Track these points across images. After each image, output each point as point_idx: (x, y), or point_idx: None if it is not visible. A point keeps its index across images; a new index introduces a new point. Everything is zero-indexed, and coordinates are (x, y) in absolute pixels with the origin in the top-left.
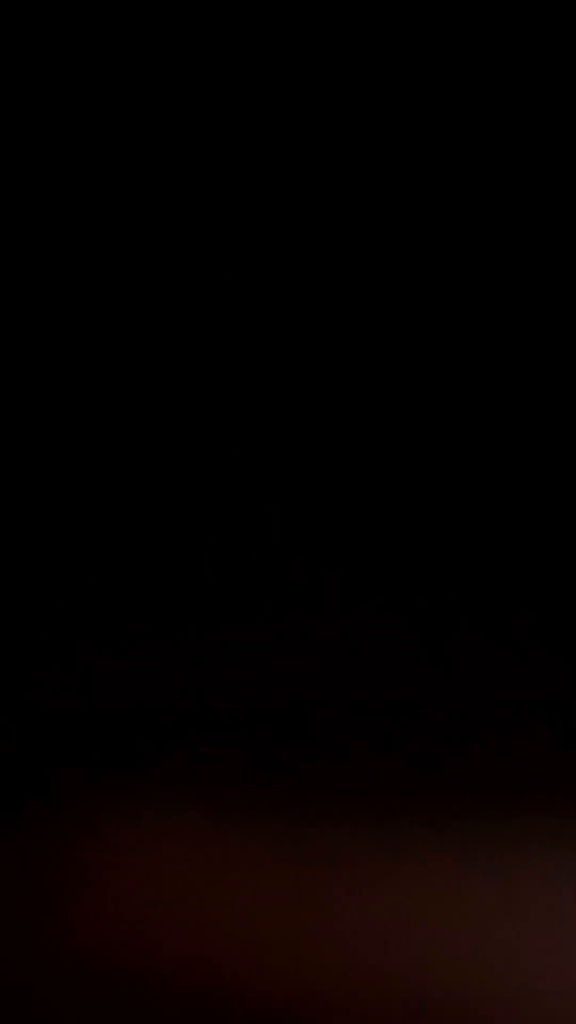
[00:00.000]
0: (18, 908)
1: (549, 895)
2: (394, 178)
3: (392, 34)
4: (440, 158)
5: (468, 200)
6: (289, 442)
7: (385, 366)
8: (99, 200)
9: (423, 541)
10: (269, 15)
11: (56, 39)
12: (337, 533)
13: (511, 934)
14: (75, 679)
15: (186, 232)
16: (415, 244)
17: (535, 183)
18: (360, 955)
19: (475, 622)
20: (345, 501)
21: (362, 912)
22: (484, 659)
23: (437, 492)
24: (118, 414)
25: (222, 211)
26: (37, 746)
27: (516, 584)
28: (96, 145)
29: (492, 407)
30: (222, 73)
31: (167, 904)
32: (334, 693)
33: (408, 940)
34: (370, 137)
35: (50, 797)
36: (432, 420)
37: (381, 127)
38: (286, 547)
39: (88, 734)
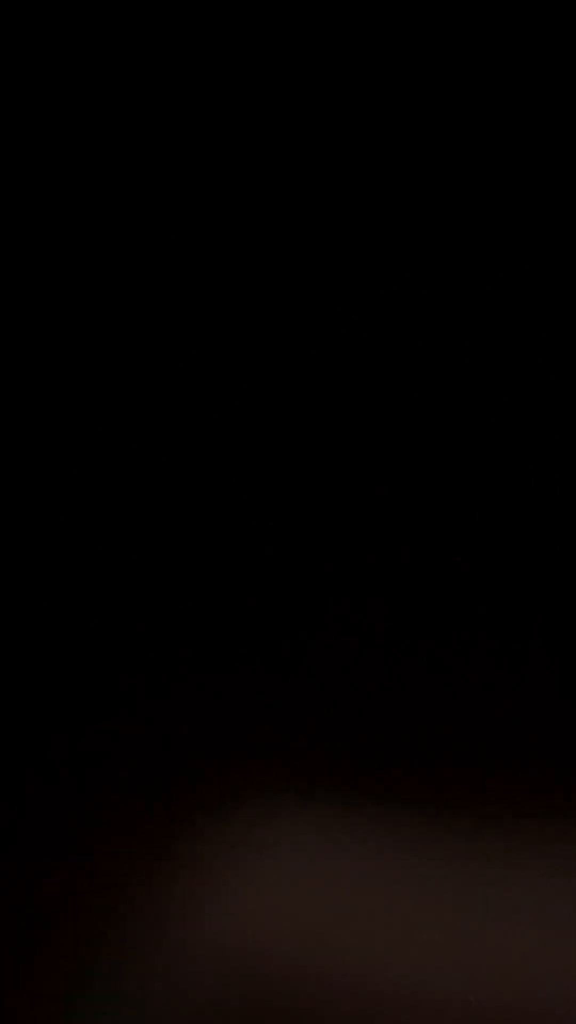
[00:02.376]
0: (140, 915)
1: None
2: (394, 181)
3: (392, 34)
4: (440, 158)
5: (468, 200)
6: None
7: (388, 377)
8: (99, 201)
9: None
10: (269, 15)
11: (56, 39)
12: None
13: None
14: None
15: (186, 234)
16: (415, 250)
17: (535, 183)
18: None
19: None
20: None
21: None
22: (486, 667)
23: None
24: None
25: (222, 218)
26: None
27: (520, 595)
28: (96, 145)
29: (492, 416)
30: (222, 73)
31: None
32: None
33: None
34: (370, 137)
35: (176, 803)
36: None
37: (381, 127)
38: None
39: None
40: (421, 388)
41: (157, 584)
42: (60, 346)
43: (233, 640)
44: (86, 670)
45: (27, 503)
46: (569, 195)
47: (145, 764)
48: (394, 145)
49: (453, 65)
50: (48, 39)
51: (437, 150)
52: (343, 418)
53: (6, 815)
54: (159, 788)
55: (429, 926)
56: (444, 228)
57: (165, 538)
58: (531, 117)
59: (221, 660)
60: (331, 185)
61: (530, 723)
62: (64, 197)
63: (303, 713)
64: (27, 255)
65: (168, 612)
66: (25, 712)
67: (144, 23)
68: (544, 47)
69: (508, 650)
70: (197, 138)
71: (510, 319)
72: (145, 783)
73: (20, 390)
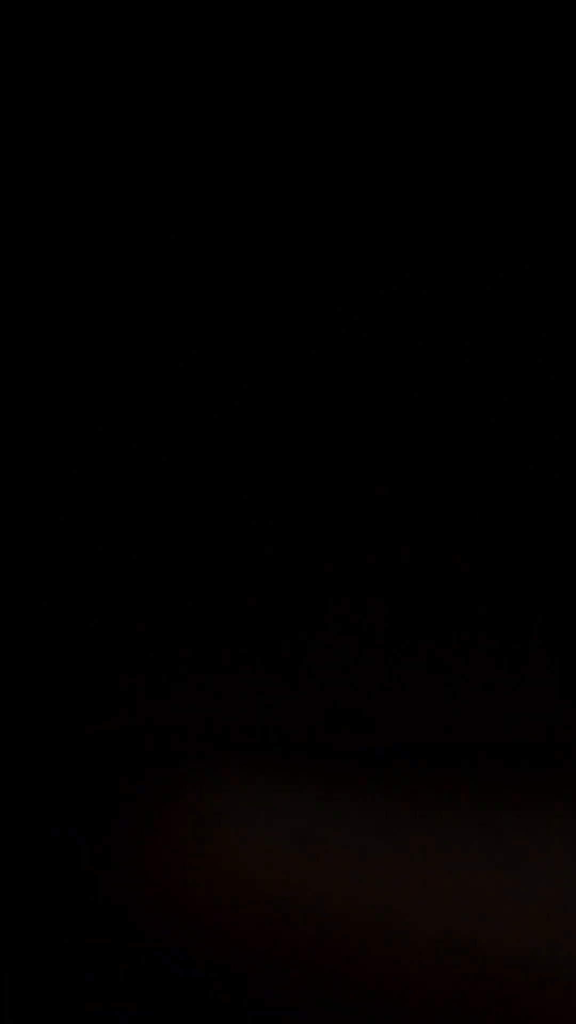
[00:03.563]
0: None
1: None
2: (394, 181)
3: (392, 34)
4: (440, 158)
5: (468, 200)
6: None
7: (388, 377)
8: (99, 201)
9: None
10: (269, 15)
11: (56, 39)
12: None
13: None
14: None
15: (185, 236)
16: (415, 250)
17: (535, 183)
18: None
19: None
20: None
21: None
22: (486, 667)
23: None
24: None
25: (222, 218)
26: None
27: (520, 595)
28: (96, 145)
29: (493, 416)
30: (222, 73)
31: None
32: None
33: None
34: (370, 137)
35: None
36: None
37: (381, 127)
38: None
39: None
40: (421, 388)
41: (157, 584)
42: (60, 347)
43: (233, 640)
44: (86, 670)
45: (27, 504)
46: (569, 195)
47: (144, 763)
48: (394, 145)
49: (453, 65)
50: (48, 39)
51: (437, 150)
52: (343, 418)
53: (5, 814)
54: (158, 787)
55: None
56: (444, 228)
57: (165, 538)
58: (531, 117)
59: (221, 660)
60: (331, 185)
61: (530, 723)
62: (64, 197)
63: (303, 713)
64: (27, 255)
65: (168, 612)
66: (25, 712)
67: (144, 23)
68: (544, 47)
69: (508, 650)
70: (197, 138)
71: (510, 319)
72: (144, 782)
73: (20, 391)
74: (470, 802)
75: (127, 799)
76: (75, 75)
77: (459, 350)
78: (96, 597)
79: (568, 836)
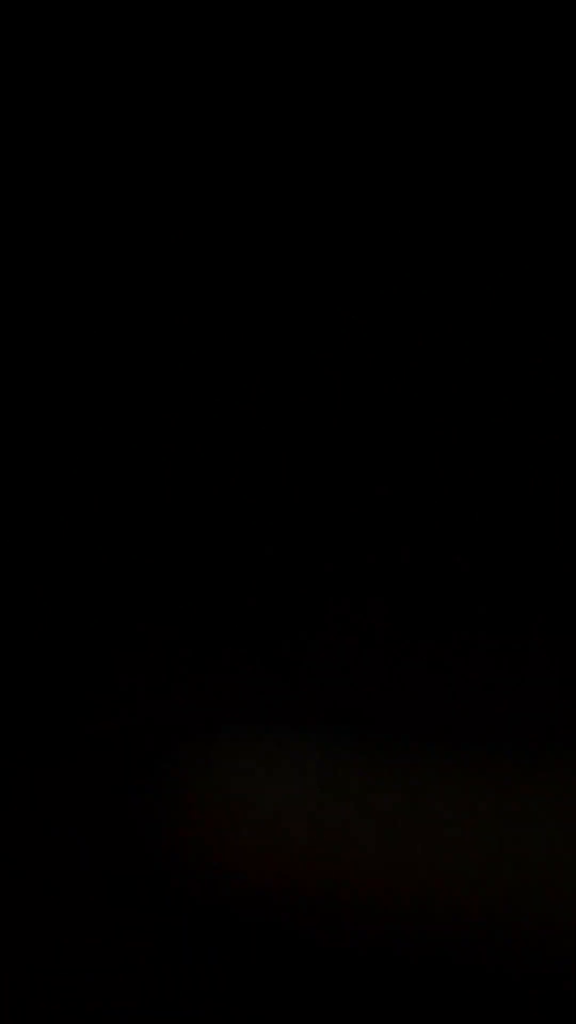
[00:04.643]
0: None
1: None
2: (394, 181)
3: (392, 34)
4: (440, 158)
5: (468, 200)
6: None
7: (388, 377)
8: (99, 200)
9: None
10: (269, 15)
11: (56, 39)
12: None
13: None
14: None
15: (185, 236)
16: (415, 250)
17: (535, 183)
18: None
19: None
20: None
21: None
22: (486, 667)
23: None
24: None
25: (222, 217)
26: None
27: (520, 595)
28: (96, 144)
29: (492, 416)
30: (221, 73)
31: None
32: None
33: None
34: (370, 137)
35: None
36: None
37: (381, 126)
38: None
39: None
40: (421, 388)
41: (157, 584)
42: (60, 346)
43: (233, 640)
44: (86, 670)
45: (27, 504)
46: (569, 195)
47: (143, 763)
48: (394, 145)
49: (453, 65)
50: (48, 39)
51: (437, 150)
52: (343, 418)
53: (5, 814)
54: (157, 786)
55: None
56: (444, 228)
57: (165, 538)
58: (531, 117)
59: (221, 660)
60: (331, 184)
61: (530, 722)
62: (64, 196)
63: (303, 713)
64: (27, 254)
65: (168, 612)
66: (24, 712)
67: (144, 23)
68: (544, 47)
69: (508, 650)
70: (197, 137)
71: (510, 319)
72: (144, 782)
73: (20, 390)
74: (470, 803)
75: (126, 799)
76: (75, 75)
77: (459, 350)
78: (96, 597)
79: (569, 835)
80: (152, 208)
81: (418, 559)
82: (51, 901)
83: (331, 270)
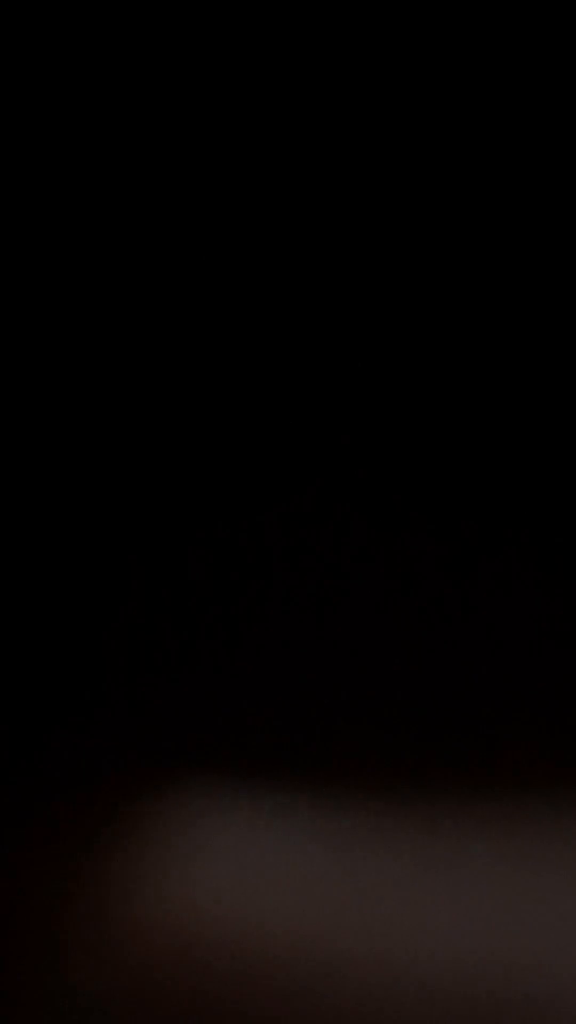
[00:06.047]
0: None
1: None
2: (393, 181)
3: (392, 34)
4: (440, 158)
5: (468, 200)
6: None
7: (388, 377)
8: (99, 200)
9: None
10: (269, 15)
11: (56, 39)
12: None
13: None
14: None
15: (185, 235)
16: (415, 250)
17: (535, 183)
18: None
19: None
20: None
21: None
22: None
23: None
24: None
25: (222, 217)
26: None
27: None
28: (96, 144)
29: (493, 415)
30: (222, 73)
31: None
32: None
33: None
34: (370, 137)
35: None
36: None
37: (381, 127)
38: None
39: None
40: (421, 388)
41: (157, 584)
42: (58, 340)
43: (233, 640)
44: (85, 669)
45: (23, 499)
46: (569, 195)
47: (143, 762)
48: (394, 145)
49: (453, 64)
50: (48, 39)
51: (437, 150)
52: (343, 418)
53: (4, 814)
54: (157, 786)
55: (398, 926)
56: (444, 228)
57: (165, 538)
58: (531, 117)
59: (220, 659)
60: (331, 184)
61: (530, 722)
62: (64, 196)
63: (303, 712)
64: (27, 254)
65: (167, 612)
66: (20, 709)
67: (144, 22)
68: (544, 47)
69: (508, 650)
70: (197, 137)
71: (510, 319)
72: (143, 781)
73: (16, 384)
74: (474, 817)
75: (124, 799)
76: (75, 75)
77: (459, 350)
78: (94, 597)
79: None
80: (152, 208)
81: (416, 555)
82: (46, 901)
83: (331, 269)
